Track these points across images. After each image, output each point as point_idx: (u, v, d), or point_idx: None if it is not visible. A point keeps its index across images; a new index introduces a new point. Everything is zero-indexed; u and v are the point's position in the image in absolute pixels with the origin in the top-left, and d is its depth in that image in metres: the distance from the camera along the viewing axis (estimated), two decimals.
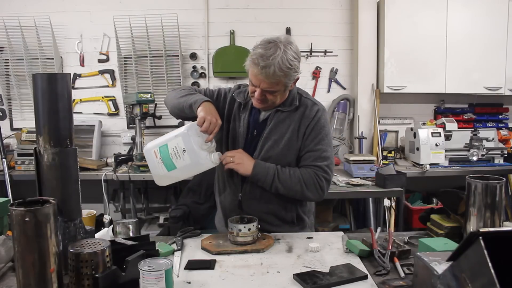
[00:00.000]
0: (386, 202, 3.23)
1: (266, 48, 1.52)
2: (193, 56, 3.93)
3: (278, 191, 1.63)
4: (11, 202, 1.05)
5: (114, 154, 3.62)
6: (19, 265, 0.99)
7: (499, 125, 4.04)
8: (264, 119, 1.71)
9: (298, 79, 1.64)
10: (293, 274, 1.22)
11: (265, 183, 1.61)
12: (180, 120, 3.99)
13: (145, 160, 1.73)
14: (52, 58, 3.77)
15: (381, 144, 3.81)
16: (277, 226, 1.67)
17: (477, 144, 3.43)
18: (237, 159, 1.60)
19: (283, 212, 1.71)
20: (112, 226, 1.60)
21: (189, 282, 1.21)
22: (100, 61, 3.93)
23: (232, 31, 3.90)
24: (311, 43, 3.96)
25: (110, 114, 3.98)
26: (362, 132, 3.89)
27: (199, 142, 1.56)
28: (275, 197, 1.67)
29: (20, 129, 3.70)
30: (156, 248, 1.35)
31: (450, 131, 3.58)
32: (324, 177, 1.63)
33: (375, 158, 3.39)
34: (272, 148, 1.65)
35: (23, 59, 3.75)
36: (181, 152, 1.57)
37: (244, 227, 1.47)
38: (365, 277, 1.21)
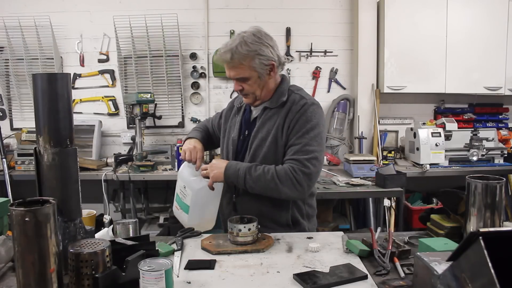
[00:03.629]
0: (386, 202, 3.23)
1: (228, 42, 1.60)
2: (193, 56, 3.93)
3: (254, 190, 1.61)
4: (11, 202, 1.05)
5: (114, 154, 3.62)
6: (19, 265, 0.99)
7: (499, 125, 4.04)
8: (254, 118, 1.73)
9: (273, 66, 1.62)
10: (293, 274, 1.22)
11: (238, 183, 1.62)
12: (180, 120, 4.01)
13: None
14: (52, 58, 3.77)
15: (381, 144, 3.81)
16: (271, 229, 1.63)
17: (477, 144, 3.43)
18: (210, 170, 1.63)
19: (276, 215, 1.69)
20: (112, 226, 1.60)
21: (189, 282, 1.21)
22: (100, 61, 3.93)
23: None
24: (311, 43, 3.96)
25: (110, 114, 3.98)
26: (362, 132, 3.89)
27: (192, 172, 1.70)
28: (268, 199, 1.65)
29: (20, 129, 3.70)
30: (156, 248, 1.35)
31: (450, 131, 3.58)
32: (301, 170, 1.55)
33: (375, 158, 3.39)
34: (260, 147, 1.66)
35: (23, 59, 3.75)
36: (183, 190, 1.71)
37: (244, 227, 1.47)
38: (365, 277, 1.21)
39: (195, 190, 1.66)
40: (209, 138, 1.96)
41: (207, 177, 1.63)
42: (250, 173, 1.59)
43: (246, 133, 1.73)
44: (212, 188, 1.64)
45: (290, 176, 1.55)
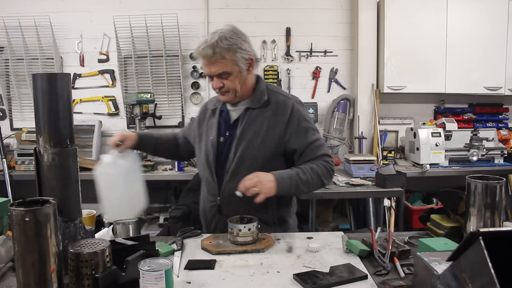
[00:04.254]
0: (386, 202, 3.24)
1: (205, 39, 1.59)
2: (193, 56, 3.93)
3: (303, 193, 1.68)
4: (11, 202, 1.05)
5: None
6: (19, 265, 0.99)
7: (499, 125, 4.04)
8: (235, 119, 1.73)
9: (252, 60, 1.65)
10: (293, 274, 1.22)
11: (290, 192, 1.64)
12: (180, 120, 4.01)
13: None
14: (52, 58, 3.77)
15: (381, 144, 3.81)
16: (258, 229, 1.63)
17: (477, 144, 3.43)
18: (261, 186, 1.51)
19: (263, 214, 1.68)
20: (112, 226, 1.60)
21: (189, 282, 1.21)
22: (100, 61, 3.93)
23: None
24: (311, 43, 3.96)
25: (110, 114, 3.98)
26: (362, 132, 3.89)
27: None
28: (253, 200, 1.65)
29: (20, 129, 3.70)
30: (156, 248, 1.35)
31: (450, 131, 3.58)
32: (331, 161, 1.69)
33: (375, 158, 3.39)
34: (248, 148, 1.66)
35: (23, 59, 3.75)
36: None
37: (244, 227, 1.47)
38: (365, 277, 1.21)
39: (103, 167, 1.61)
40: (160, 144, 1.93)
41: (253, 194, 1.51)
42: (301, 179, 1.59)
43: (227, 134, 1.72)
44: (259, 200, 1.52)
45: (329, 168, 1.67)
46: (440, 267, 0.99)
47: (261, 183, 1.51)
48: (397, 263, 1.28)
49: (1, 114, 3.92)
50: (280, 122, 1.66)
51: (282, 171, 1.61)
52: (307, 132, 1.68)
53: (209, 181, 1.73)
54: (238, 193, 1.51)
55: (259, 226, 1.51)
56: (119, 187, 1.60)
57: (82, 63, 3.92)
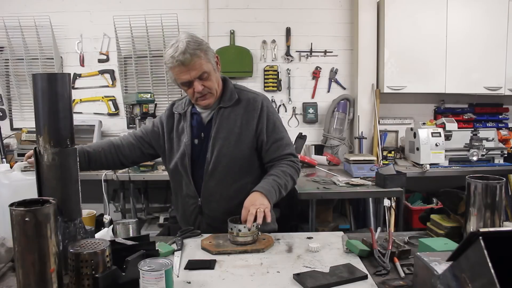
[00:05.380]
0: (386, 202, 3.23)
1: (172, 48, 1.60)
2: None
3: (282, 196, 1.68)
4: (11, 202, 1.05)
5: None
6: (19, 265, 0.99)
7: (499, 125, 4.04)
8: (208, 120, 1.74)
9: (218, 58, 1.71)
10: (293, 274, 1.22)
11: (277, 200, 1.65)
12: None
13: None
14: (52, 58, 3.77)
15: (381, 144, 3.81)
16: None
17: (477, 144, 3.43)
18: (260, 208, 1.48)
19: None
20: (112, 226, 1.60)
21: (189, 282, 1.21)
22: (100, 61, 3.93)
23: (232, 31, 3.90)
24: (311, 43, 3.96)
25: (110, 114, 3.98)
26: (362, 132, 3.89)
27: None
28: (235, 198, 1.68)
29: (20, 129, 3.70)
30: (156, 248, 1.35)
31: (450, 131, 3.58)
32: (297, 160, 1.78)
33: (375, 158, 3.38)
34: (224, 147, 1.68)
35: (23, 59, 3.75)
36: None
37: (244, 227, 1.47)
38: (365, 277, 1.21)
39: None
40: (94, 158, 1.77)
41: (252, 219, 1.47)
42: (280, 184, 1.64)
43: (203, 135, 1.73)
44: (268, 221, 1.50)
45: (296, 168, 1.75)
46: (440, 267, 0.99)
47: (258, 206, 1.49)
48: (397, 263, 1.28)
49: (1, 114, 3.92)
50: (252, 118, 1.71)
51: (262, 183, 1.62)
52: (275, 129, 1.75)
53: (187, 184, 1.74)
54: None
55: (259, 226, 1.51)
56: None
57: (82, 63, 3.92)
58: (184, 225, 1.81)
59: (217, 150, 1.69)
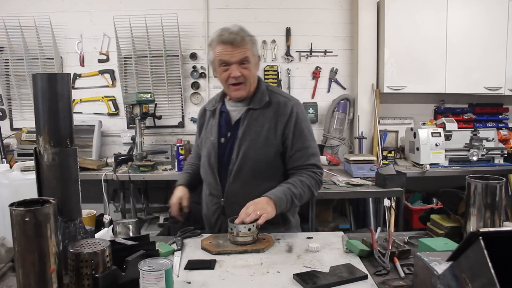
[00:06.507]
0: (386, 202, 3.23)
1: (219, 30, 1.64)
2: (193, 56, 3.93)
3: (296, 206, 1.71)
4: (11, 202, 1.05)
5: (114, 154, 3.62)
6: (19, 265, 0.99)
7: (499, 125, 4.04)
8: (236, 120, 1.73)
9: (259, 58, 1.73)
10: (293, 274, 1.22)
11: (286, 209, 1.64)
12: (180, 120, 4.01)
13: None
14: (52, 58, 3.77)
15: (381, 144, 3.81)
16: (262, 229, 1.59)
17: (477, 144, 3.43)
18: (263, 210, 1.50)
19: None
20: (112, 226, 1.60)
21: (189, 282, 1.21)
22: (100, 61, 3.93)
23: None
24: (311, 43, 3.96)
25: (110, 114, 3.98)
26: (362, 132, 3.89)
27: None
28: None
29: (20, 129, 3.70)
30: (156, 248, 1.35)
31: (450, 131, 3.58)
32: (320, 172, 1.72)
33: (375, 158, 3.39)
34: (251, 149, 1.66)
35: (23, 59, 3.75)
36: None
37: (244, 227, 1.47)
38: (365, 277, 1.21)
39: None
40: (197, 175, 1.89)
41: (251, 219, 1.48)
42: (295, 194, 1.62)
43: (229, 135, 1.72)
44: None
45: (317, 180, 1.71)
46: (440, 267, 0.99)
47: (263, 209, 1.50)
48: (397, 263, 1.28)
49: (1, 114, 3.92)
50: (281, 123, 1.68)
51: (275, 190, 1.61)
52: (301, 137, 1.70)
53: (212, 183, 1.73)
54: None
55: (259, 226, 1.51)
56: None
57: (82, 63, 3.92)
58: (206, 223, 1.81)
59: (243, 151, 1.66)
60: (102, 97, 3.96)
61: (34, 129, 1.24)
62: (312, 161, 1.70)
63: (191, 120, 3.99)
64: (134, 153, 3.51)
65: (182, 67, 3.87)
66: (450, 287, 0.92)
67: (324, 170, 1.82)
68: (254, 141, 1.67)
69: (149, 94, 3.43)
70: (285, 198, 1.58)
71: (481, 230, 0.83)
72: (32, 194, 1.19)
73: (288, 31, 3.95)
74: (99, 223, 1.74)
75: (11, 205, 1.01)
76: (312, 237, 1.59)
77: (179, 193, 1.78)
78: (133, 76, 3.86)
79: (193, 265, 1.32)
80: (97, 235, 1.43)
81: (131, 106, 3.62)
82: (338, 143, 3.93)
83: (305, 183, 1.65)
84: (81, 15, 3.85)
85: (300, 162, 1.69)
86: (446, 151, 3.46)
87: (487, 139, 3.46)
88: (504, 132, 3.81)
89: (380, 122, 3.90)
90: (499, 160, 3.56)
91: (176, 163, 3.32)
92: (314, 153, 1.72)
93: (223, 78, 1.67)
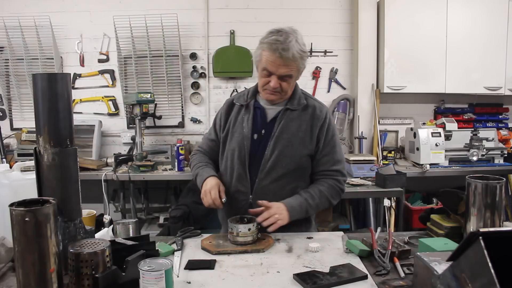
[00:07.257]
0: (386, 202, 3.23)
1: (279, 35, 1.58)
2: (193, 56, 3.93)
3: (311, 215, 1.73)
4: (11, 202, 1.05)
5: (114, 154, 3.62)
6: (19, 265, 0.99)
7: (499, 125, 4.04)
8: (272, 118, 1.72)
9: (304, 68, 1.71)
10: (293, 274, 1.22)
11: (300, 218, 1.66)
12: (180, 120, 4.00)
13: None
14: (52, 58, 3.77)
15: (381, 144, 3.81)
16: (284, 228, 1.60)
17: (477, 144, 3.43)
18: (279, 216, 1.56)
19: None
20: (112, 226, 1.60)
21: (189, 282, 1.21)
22: (100, 61, 3.93)
23: (232, 31, 3.90)
24: (311, 43, 3.96)
25: (110, 114, 3.98)
26: (362, 132, 3.89)
27: None
28: (285, 198, 1.66)
29: (20, 129, 3.70)
30: (156, 248, 1.35)
31: (450, 131, 3.58)
32: (343, 180, 1.74)
33: (375, 158, 3.39)
34: (287, 148, 1.67)
35: (23, 59, 3.75)
36: None
37: (244, 227, 1.47)
38: (365, 277, 1.21)
39: None
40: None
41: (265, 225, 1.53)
42: (310, 205, 1.65)
43: (263, 132, 1.71)
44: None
45: (337, 189, 1.72)
46: (440, 267, 0.99)
47: (279, 214, 1.56)
48: (397, 263, 1.28)
49: (1, 114, 3.92)
50: (315, 126, 1.70)
51: (292, 199, 1.64)
52: (331, 142, 1.72)
53: (242, 177, 1.70)
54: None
55: (259, 226, 1.51)
56: None
57: (82, 63, 3.92)
58: (226, 218, 1.76)
59: (279, 149, 1.66)
60: (102, 97, 3.96)
61: (34, 129, 1.24)
62: (337, 167, 1.72)
63: (191, 120, 3.99)
64: (134, 153, 3.51)
65: (182, 67, 3.87)
66: (450, 287, 0.92)
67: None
68: (290, 140, 1.67)
69: (149, 94, 3.43)
70: (299, 209, 1.62)
71: (481, 230, 0.83)
72: (32, 194, 1.19)
73: None
74: (99, 223, 1.74)
75: (11, 205, 1.01)
76: (312, 237, 1.59)
77: (213, 182, 1.67)
78: (133, 76, 3.86)
79: (193, 265, 1.32)
80: (97, 235, 1.43)
81: (131, 106, 3.62)
82: None
83: (323, 194, 1.68)
84: (81, 15, 3.85)
85: (326, 166, 1.72)
86: (446, 151, 3.47)
87: (487, 139, 3.47)
88: (504, 132, 3.81)
89: (380, 122, 3.90)
90: (499, 160, 3.56)
91: (176, 163, 3.32)
92: (340, 160, 1.75)
93: (261, 81, 1.67)
